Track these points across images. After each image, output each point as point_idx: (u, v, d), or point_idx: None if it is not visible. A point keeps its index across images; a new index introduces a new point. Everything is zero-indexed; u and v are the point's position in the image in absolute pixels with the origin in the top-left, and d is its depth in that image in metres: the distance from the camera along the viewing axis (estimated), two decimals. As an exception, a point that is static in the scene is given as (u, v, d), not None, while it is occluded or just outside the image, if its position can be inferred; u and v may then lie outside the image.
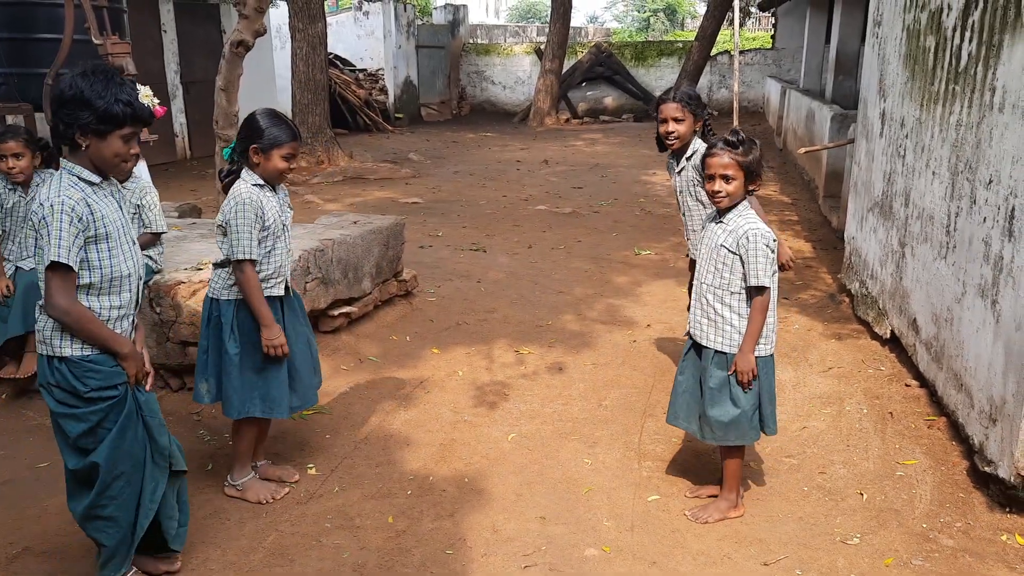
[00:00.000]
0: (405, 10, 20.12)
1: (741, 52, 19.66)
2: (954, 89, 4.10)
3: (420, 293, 5.95)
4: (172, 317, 4.06)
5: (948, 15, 4.27)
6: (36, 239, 2.46)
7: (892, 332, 4.90)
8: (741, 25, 17.73)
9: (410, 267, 5.97)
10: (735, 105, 10.69)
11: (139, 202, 4.17)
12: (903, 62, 5.08)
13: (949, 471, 3.59)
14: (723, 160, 3.05)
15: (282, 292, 3.33)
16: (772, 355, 3.20)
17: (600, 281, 6.57)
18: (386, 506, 3.38)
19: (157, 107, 2.65)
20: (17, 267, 4.23)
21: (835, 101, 10.12)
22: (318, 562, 3.01)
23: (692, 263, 3.93)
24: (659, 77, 21.90)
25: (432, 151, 14.73)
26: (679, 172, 4.00)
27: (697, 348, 3.27)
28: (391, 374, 4.66)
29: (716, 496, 3.36)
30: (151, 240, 4.20)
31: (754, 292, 3.07)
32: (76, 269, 2.47)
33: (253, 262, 3.14)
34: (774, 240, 3.09)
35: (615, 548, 3.10)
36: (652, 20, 45.22)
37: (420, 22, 22.24)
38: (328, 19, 12.97)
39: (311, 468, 3.65)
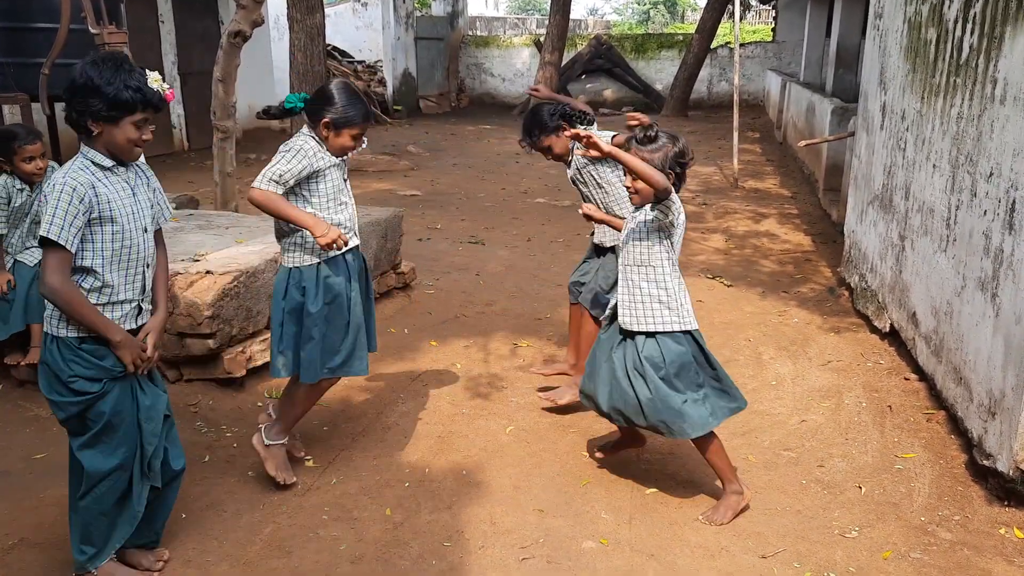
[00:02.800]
0: (404, 1, 20.03)
1: (741, 45, 19.59)
2: (955, 81, 4.08)
3: (418, 286, 5.93)
4: (169, 308, 4.04)
5: (949, 7, 4.24)
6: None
7: (891, 325, 4.89)
8: (741, 18, 17.62)
9: (408, 260, 5.96)
10: (735, 98, 10.65)
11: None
12: (904, 54, 5.06)
13: (948, 465, 3.58)
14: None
15: (357, 242, 3.42)
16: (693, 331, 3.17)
17: (599, 274, 6.55)
18: (384, 498, 3.37)
19: (167, 91, 2.68)
20: (16, 260, 4.21)
21: (835, 94, 10.10)
22: (316, 554, 3.00)
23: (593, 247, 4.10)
24: (659, 70, 21.85)
25: (431, 143, 14.70)
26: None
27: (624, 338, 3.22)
28: (389, 367, 4.65)
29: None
30: (148, 231, 4.19)
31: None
32: (71, 250, 2.47)
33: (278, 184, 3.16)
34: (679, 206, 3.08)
35: (613, 541, 3.09)
36: (652, 13, 45.14)
37: (419, 14, 22.16)
38: (326, 10, 12.88)
39: (309, 460, 3.64)
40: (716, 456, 3.22)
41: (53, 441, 3.84)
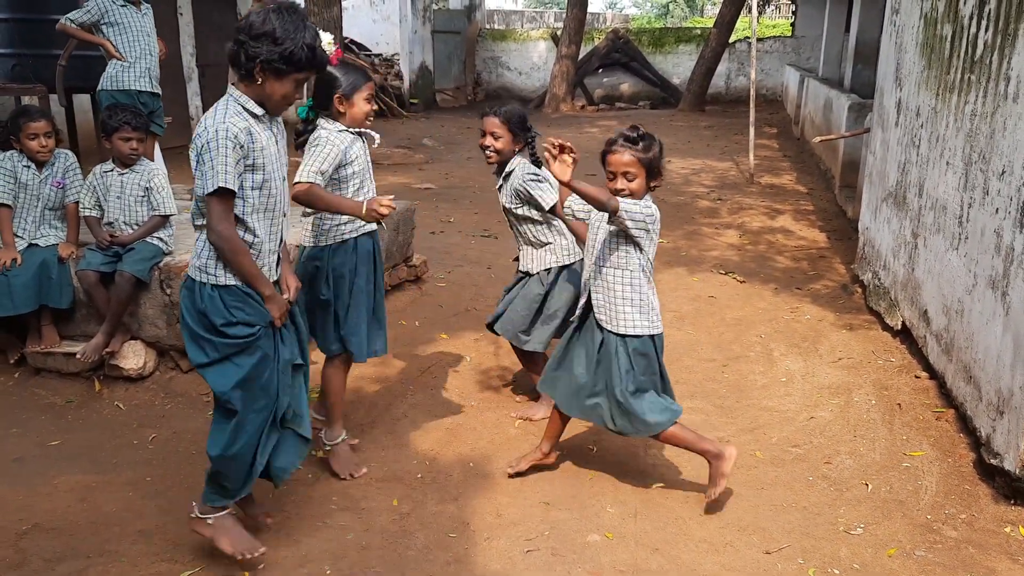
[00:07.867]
0: (421, -5, 20.03)
1: (760, 40, 19.48)
2: (969, 78, 4.05)
3: (430, 279, 5.96)
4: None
5: (965, 3, 4.21)
6: (195, 164, 2.47)
7: (903, 323, 4.86)
8: (760, 12, 17.56)
9: (421, 252, 5.99)
10: (752, 93, 10.58)
11: (148, 184, 4.20)
12: (920, 51, 5.02)
13: (956, 463, 3.57)
14: (623, 158, 3.00)
15: (375, 228, 3.39)
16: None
17: (611, 269, 6.55)
18: (392, 489, 3.40)
19: (332, 54, 2.67)
20: (31, 243, 4.27)
21: (854, 90, 10.02)
22: (323, 543, 3.04)
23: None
24: (677, 64, 21.74)
25: (446, 137, 14.71)
26: (499, 188, 3.97)
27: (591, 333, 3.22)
28: (399, 359, 4.68)
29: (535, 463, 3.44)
30: (160, 222, 4.23)
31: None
32: (236, 192, 2.48)
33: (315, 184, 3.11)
34: (653, 218, 3.05)
35: (618, 534, 3.11)
36: (671, 6, 44.92)
37: (436, 7, 22.16)
38: (343, 3, 12.91)
39: (318, 452, 3.67)
40: (675, 438, 3.21)
41: (68, 428, 3.91)
